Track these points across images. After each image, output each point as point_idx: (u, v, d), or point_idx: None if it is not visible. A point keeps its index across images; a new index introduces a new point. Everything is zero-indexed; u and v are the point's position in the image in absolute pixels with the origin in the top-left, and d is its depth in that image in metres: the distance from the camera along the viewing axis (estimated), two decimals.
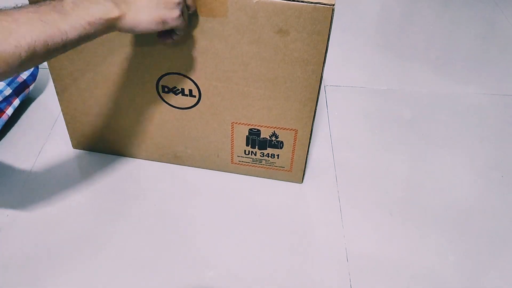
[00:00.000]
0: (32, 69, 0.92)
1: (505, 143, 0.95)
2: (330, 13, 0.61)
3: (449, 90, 1.08)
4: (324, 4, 0.60)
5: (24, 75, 0.91)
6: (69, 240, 0.72)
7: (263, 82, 0.69)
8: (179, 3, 0.57)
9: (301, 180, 0.82)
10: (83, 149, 0.86)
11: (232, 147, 0.79)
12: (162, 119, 0.77)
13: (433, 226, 0.77)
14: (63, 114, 0.81)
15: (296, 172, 0.81)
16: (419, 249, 0.74)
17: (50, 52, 0.50)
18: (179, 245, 0.72)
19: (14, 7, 0.49)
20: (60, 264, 0.69)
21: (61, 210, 0.76)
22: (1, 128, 0.86)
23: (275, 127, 0.75)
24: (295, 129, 0.74)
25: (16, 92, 0.89)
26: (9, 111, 0.87)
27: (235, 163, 0.81)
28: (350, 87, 1.07)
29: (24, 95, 0.91)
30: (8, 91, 0.87)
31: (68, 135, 0.85)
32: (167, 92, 0.74)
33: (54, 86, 0.76)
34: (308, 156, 0.79)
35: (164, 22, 0.57)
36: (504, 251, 0.74)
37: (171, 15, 0.57)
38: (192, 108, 0.75)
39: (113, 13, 0.53)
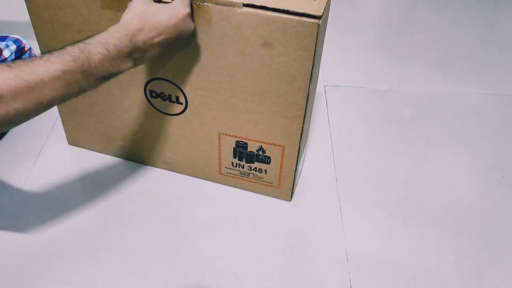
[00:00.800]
0: None
1: (505, 143, 0.95)
2: (316, 29, 0.57)
3: (449, 90, 1.08)
4: (310, 17, 0.57)
5: None
6: (69, 240, 0.72)
7: (249, 95, 0.67)
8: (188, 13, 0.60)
9: (289, 198, 0.79)
10: (78, 146, 0.86)
11: (219, 158, 0.77)
12: (152, 123, 0.77)
13: (433, 226, 0.77)
14: (59, 111, 0.82)
15: (285, 190, 0.78)
16: (419, 249, 0.74)
17: (66, 100, 0.53)
18: (179, 244, 0.72)
19: (41, 57, 0.50)
20: (60, 264, 0.69)
21: (61, 210, 0.76)
22: None
23: (262, 142, 0.72)
24: (282, 145, 0.71)
25: None
26: None
27: (223, 175, 0.79)
28: (350, 87, 1.07)
29: None
30: None
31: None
32: (155, 97, 0.73)
33: None
34: (298, 171, 0.77)
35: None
36: (504, 251, 0.74)
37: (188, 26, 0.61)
38: (179, 115, 0.73)
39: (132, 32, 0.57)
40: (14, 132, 0.89)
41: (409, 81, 1.10)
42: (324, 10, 0.58)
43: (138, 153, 0.83)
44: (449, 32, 1.31)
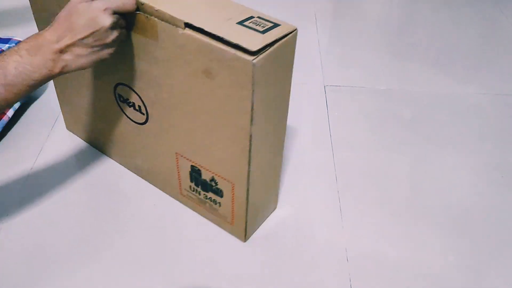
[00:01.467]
0: None
1: (505, 143, 0.95)
2: (250, 68, 0.50)
3: (449, 90, 1.08)
4: (245, 53, 0.49)
5: None
6: (69, 240, 0.72)
7: (201, 122, 0.61)
8: (107, 30, 0.56)
9: (243, 238, 0.72)
10: (73, 133, 0.89)
11: (179, 178, 0.73)
12: (123, 128, 0.76)
13: (433, 226, 0.77)
14: (57, 94, 0.86)
15: (238, 227, 0.71)
16: (419, 249, 0.74)
17: None
18: (178, 245, 0.72)
19: None
20: (60, 264, 0.69)
21: (61, 210, 0.76)
22: (1, 130, 0.86)
23: (214, 173, 0.67)
24: (232, 182, 0.65)
25: None
26: (10, 113, 0.87)
27: (183, 195, 0.75)
28: (350, 87, 1.07)
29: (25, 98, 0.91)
30: None
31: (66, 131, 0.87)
32: (123, 102, 0.72)
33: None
34: (253, 214, 0.70)
35: (102, 59, 0.58)
36: (504, 251, 0.74)
37: (107, 50, 0.58)
38: (144, 125, 0.71)
39: (54, 71, 0.56)
40: (14, 132, 0.89)
41: (409, 81, 1.10)
42: (265, 47, 0.50)
43: (117, 154, 0.83)
44: (449, 32, 1.31)
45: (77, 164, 0.85)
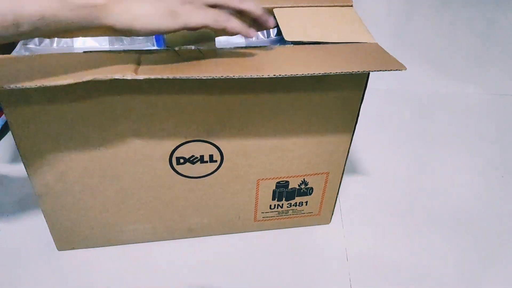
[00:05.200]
0: None
1: (505, 143, 0.95)
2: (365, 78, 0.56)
3: (449, 90, 1.08)
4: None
5: None
6: None
7: (295, 132, 0.62)
8: None
9: (329, 221, 0.76)
10: (72, 249, 0.70)
11: (256, 205, 0.71)
12: (175, 194, 0.66)
13: (433, 226, 0.77)
14: (45, 217, 0.65)
15: (325, 214, 0.75)
16: (419, 249, 0.74)
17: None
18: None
19: None
20: (60, 264, 0.69)
21: None
22: (2, 128, 0.86)
23: (305, 175, 0.68)
24: (326, 172, 0.68)
25: None
26: None
27: (258, 221, 0.73)
28: None
29: None
30: None
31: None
32: (183, 164, 0.62)
33: (33, 186, 0.61)
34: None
35: (172, 13, 0.44)
36: (504, 251, 0.74)
37: (181, 3, 0.45)
38: (211, 175, 0.64)
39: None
40: None
41: (409, 81, 1.10)
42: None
43: (155, 231, 0.70)
44: (449, 32, 1.31)
45: None
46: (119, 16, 0.43)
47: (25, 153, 0.56)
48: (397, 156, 0.90)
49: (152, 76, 0.46)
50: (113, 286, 0.65)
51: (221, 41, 0.68)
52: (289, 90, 0.56)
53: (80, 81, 0.45)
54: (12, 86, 0.44)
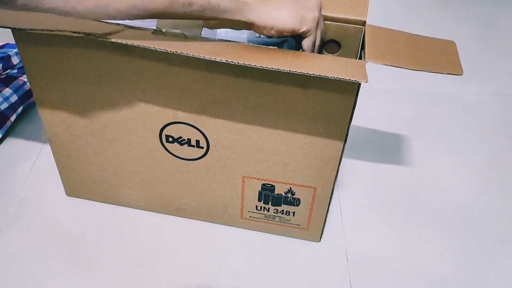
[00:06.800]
0: None
1: (505, 143, 0.95)
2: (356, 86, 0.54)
3: (449, 90, 1.08)
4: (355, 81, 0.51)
5: None
6: (69, 240, 0.72)
7: (280, 136, 0.61)
8: (318, 5, 0.55)
9: (318, 239, 0.74)
10: (78, 197, 0.78)
11: (242, 202, 0.71)
12: (165, 170, 0.70)
13: (433, 226, 0.77)
14: (56, 161, 0.73)
15: (314, 231, 0.73)
16: (419, 249, 0.74)
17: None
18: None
19: None
20: (60, 264, 0.69)
21: (61, 210, 0.76)
22: (3, 135, 0.86)
23: (292, 184, 0.67)
24: (314, 187, 0.67)
25: (21, 100, 0.89)
26: (13, 117, 0.88)
27: (245, 219, 0.74)
28: None
29: (29, 103, 0.91)
30: (14, 98, 0.88)
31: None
32: (172, 142, 0.66)
33: (46, 132, 0.69)
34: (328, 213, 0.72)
35: (302, 19, 0.54)
36: (504, 251, 0.74)
37: (311, 13, 0.55)
38: (199, 160, 0.67)
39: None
40: (14, 132, 0.89)
41: (409, 81, 1.10)
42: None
43: (148, 201, 0.76)
44: (449, 32, 1.31)
45: None
46: (261, 15, 0.52)
47: (39, 100, 0.65)
48: (397, 156, 0.90)
49: (124, 42, 0.50)
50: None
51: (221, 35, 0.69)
52: (274, 90, 0.56)
53: (61, 31, 0.51)
54: (23, 27, 0.51)
